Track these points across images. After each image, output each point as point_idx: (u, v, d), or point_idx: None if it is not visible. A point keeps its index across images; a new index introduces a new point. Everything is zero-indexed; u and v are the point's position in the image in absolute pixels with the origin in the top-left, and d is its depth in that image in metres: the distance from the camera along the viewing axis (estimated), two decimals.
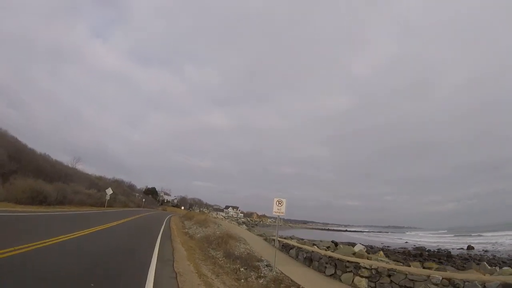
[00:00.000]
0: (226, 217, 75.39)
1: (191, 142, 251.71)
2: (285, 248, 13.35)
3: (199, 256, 10.07)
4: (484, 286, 5.56)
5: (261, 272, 8.47)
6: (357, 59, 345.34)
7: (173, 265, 7.32)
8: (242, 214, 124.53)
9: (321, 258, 9.47)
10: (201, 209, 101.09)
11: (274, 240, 16.31)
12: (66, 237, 8.58)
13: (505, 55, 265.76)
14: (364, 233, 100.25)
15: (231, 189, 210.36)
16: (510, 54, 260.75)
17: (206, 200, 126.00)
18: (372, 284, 7.26)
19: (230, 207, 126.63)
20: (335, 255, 9.24)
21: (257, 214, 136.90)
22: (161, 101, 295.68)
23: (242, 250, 12.07)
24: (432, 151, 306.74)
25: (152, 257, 7.72)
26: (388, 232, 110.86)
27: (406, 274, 6.60)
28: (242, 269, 8.64)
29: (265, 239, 19.18)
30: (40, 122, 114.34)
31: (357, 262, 7.82)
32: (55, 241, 7.60)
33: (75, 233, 9.56)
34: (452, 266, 15.54)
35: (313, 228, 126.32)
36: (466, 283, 5.72)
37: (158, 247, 9.64)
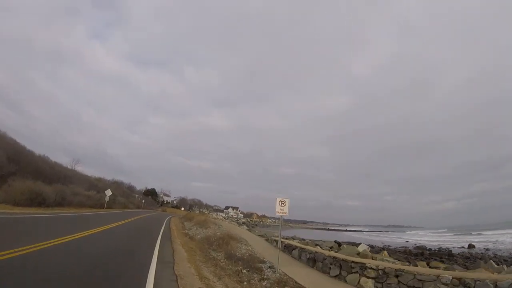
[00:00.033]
0: (226, 218, 75.16)
1: (191, 143, 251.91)
2: (287, 248, 13.15)
3: (199, 257, 9.86)
4: (496, 285, 5.40)
5: (264, 274, 8.27)
6: (357, 59, 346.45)
7: (173, 267, 7.12)
8: (242, 215, 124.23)
9: (325, 259, 9.28)
10: (201, 210, 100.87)
11: (275, 240, 16.13)
12: (65, 239, 8.45)
13: (505, 54, 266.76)
14: (364, 232, 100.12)
15: (231, 190, 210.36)
16: (510, 54, 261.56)
17: (206, 201, 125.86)
18: (379, 285, 7.08)
19: (230, 208, 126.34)
20: (340, 255, 9.05)
21: (257, 215, 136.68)
22: (161, 102, 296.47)
23: (243, 251, 11.87)
24: (432, 150, 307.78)
25: (152, 259, 7.54)
26: (388, 232, 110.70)
27: (415, 274, 6.42)
28: (244, 271, 8.43)
29: (267, 240, 18.99)
30: (39, 124, 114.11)
31: (363, 263, 7.64)
32: (54, 243, 7.49)
33: (75, 235, 9.46)
34: (458, 265, 15.35)
35: (313, 228, 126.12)
36: (477, 283, 5.56)
37: (158, 249, 9.45)
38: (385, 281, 6.96)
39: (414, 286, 6.34)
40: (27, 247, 6.33)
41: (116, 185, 60.14)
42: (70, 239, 8.65)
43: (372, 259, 9.60)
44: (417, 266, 9.68)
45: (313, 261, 10.14)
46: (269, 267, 9.24)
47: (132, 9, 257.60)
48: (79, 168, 49.65)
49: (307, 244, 14.70)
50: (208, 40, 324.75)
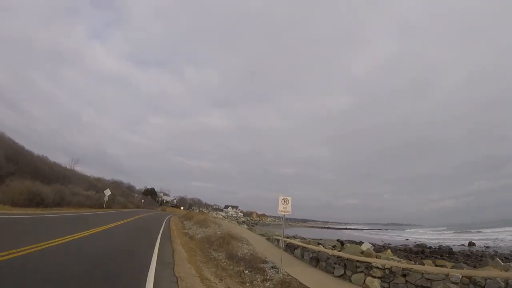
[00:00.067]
0: (225, 217, 75.03)
1: (191, 143, 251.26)
2: (289, 248, 12.97)
3: (200, 258, 9.67)
4: (507, 283, 5.25)
5: (266, 275, 8.07)
6: (357, 59, 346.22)
7: (173, 268, 6.93)
8: (242, 214, 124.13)
9: (329, 258, 9.10)
10: (201, 209, 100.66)
11: (277, 240, 15.96)
12: (65, 239, 8.39)
13: (505, 54, 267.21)
14: (364, 231, 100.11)
15: (231, 190, 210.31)
16: (510, 54, 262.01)
17: (206, 200, 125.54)
18: (386, 285, 6.91)
19: (230, 207, 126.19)
20: (344, 254, 8.87)
21: (257, 213, 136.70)
22: (161, 102, 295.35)
23: (245, 251, 11.68)
24: (432, 150, 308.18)
25: (151, 260, 7.37)
26: (388, 230, 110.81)
27: (423, 273, 6.25)
28: (246, 271, 8.23)
29: (268, 239, 18.82)
30: (39, 124, 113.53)
31: (368, 262, 7.47)
32: (54, 244, 7.44)
33: (75, 235, 9.41)
34: (459, 263, 15.24)
35: (312, 227, 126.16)
36: (488, 281, 5.40)
37: (157, 249, 9.26)
38: (392, 280, 6.80)
39: (422, 285, 6.18)
40: (28, 247, 6.33)
41: (116, 185, 59.94)
42: (70, 239, 8.63)
43: (377, 258, 9.43)
44: (423, 264, 9.52)
45: (316, 260, 9.97)
46: (272, 267, 9.05)
47: (132, 9, 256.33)
48: (79, 168, 49.35)
49: (309, 243, 14.54)
50: (208, 40, 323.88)
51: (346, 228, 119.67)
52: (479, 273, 5.91)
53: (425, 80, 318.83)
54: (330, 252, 9.75)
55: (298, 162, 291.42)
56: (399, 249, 29.54)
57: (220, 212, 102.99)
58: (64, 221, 14.83)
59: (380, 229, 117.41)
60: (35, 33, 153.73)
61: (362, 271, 7.55)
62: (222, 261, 9.51)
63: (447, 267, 8.35)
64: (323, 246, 13.83)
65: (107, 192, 33.26)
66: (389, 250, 16.19)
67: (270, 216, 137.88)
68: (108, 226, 14.43)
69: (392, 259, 9.93)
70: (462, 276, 5.73)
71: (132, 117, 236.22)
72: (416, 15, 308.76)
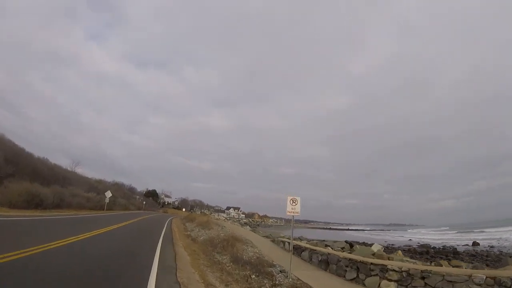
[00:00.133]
0: (227, 218, 74.54)
1: (191, 143, 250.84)
2: (296, 250, 12.54)
3: (203, 261, 9.26)
4: None
5: (275, 280, 7.62)
6: (357, 59, 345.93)
7: (176, 273, 6.49)
8: (244, 215, 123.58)
9: (339, 261, 8.70)
10: (202, 210, 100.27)
11: (282, 242, 15.54)
12: (67, 240, 8.35)
13: (505, 54, 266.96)
14: (366, 231, 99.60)
15: (231, 190, 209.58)
16: (510, 54, 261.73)
17: (207, 201, 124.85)
18: None
19: (232, 208, 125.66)
20: (356, 257, 8.46)
21: (259, 215, 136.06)
22: (161, 102, 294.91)
23: (250, 254, 11.23)
24: (432, 150, 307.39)
25: (152, 263, 7.03)
26: (390, 230, 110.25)
27: (444, 275, 5.86)
28: (253, 276, 7.79)
29: (273, 241, 18.39)
30: (39, 126, 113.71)
31: (383, 265, 7.06)
32: (56, 245, 7.39)
33: (78, 236, 9.41)
34: (484, 264, 14.75)
35: (315, 228, 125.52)
36: None
37: (159, 253, 8.86)
38: (410, 283, 6.40)
39: None
40: (31, 248, 6.32)
41: (117, 187, 59.64)
42: (73, 240, 8.64)
43: (389, 259, 9.03)
44: (441, 265, 9.11)
45: (325, 263, 9.56)
46: (280, 271, 8.62)
47: (131, 9, 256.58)
48: (80, 170, 49.16)
49: (316, 244, 14.10)
50: (208, 40, 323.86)
51: (348, 229, 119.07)
52: (503, 273, 5.56)
53: (425, 80, 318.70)
54: (341, 254, 9.34)
55: (298, 162, 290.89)
56: (403, 250, 29.08)
57: (222, 214, 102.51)
58: (65, 223, 14.56)
59: (382, 230, 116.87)
60: (34, 34, 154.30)
61: (377, 274, 7.15)
62: (227, 265, 9.08)
63: (462, 268, 7.95)
64: (332, 248, 13.42)
65: (108, 194, 33.05)
66: (399, 251, 15.78)
67: (272, 218, 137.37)
68: (110, 228, 14.12)
69: (407, 260, 9.53)
70: (487, 277, 5.37)
71: (132, 118, 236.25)
72: (416, 15, 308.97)
